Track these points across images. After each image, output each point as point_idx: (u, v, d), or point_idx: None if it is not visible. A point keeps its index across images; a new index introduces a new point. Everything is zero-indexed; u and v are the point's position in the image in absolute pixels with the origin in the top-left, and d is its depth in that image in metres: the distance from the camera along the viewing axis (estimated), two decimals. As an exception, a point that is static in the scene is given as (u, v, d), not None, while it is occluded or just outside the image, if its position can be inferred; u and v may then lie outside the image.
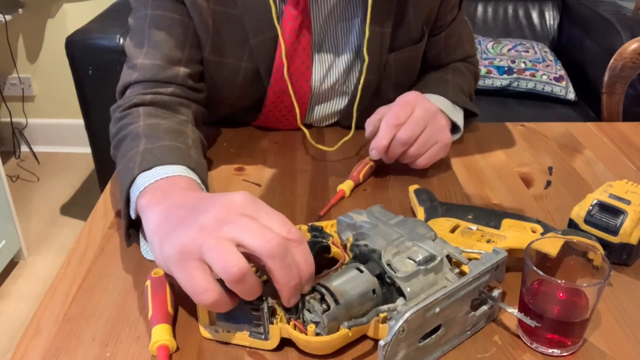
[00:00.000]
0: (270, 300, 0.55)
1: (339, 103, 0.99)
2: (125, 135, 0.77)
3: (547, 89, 2.20)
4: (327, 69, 0.94)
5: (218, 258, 0.50)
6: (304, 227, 0.67)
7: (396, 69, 0.96)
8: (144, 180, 0.66)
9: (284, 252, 0.51)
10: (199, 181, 0.69)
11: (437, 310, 0.53)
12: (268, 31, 0.87)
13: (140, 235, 0.70)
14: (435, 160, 0.85)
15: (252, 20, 0.86)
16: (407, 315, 0.50)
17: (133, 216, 0.66)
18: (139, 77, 0.84)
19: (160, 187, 0.64)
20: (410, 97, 0.84)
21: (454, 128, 0.92)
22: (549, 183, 0.85)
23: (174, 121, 0.81)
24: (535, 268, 0.54)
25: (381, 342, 0.50)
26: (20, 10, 2.54)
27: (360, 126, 0.90)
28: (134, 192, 0.66)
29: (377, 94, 0.97)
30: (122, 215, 0.68)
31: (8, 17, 2.44)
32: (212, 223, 0.52)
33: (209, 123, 0.97)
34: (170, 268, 0.54)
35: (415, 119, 0.82)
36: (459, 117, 0.92)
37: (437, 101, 0.89)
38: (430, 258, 0.57)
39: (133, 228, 0.69)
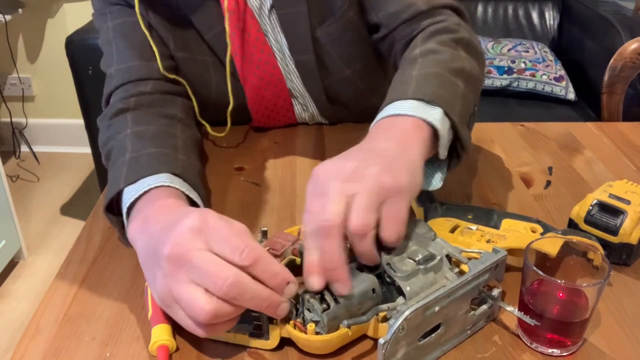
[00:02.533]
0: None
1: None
2: (114, 145, 0.77)
3: (547, 89, 2.20)
4: (282, 55, 0.93)
5: (185, 308, 0.52)
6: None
7: (332, 43, 0.92)
8: (129, 195, 0.66)
9: (242, 288, 0.50)
10: (182, 188, 0.68)
11: (437, 308, 0.53)
12: (216, 25, 0.88)
13: None
14: (403, 231, 0.56)
15: (200, 18, 0.88)
16: (406, 313, 0.50)
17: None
18: (117, 82, 0.85)
19: (141, 211, 0.63)
20: (315, 180, 0.58)
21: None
22: (549, 183, 0.85)
23: (162, 124, 0.81)
24: (535, 268, 0.54)
25: (381, 340, 0.50)
26: (20, 10, 2.54)
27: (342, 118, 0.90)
28: (124, 208, 0.66)
29: (328, 73, 0.94)
30: (112, 223, 0.69)
31: (8, 17, 2.44)
32: (171, 268, 0.52)
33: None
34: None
35: (331, 193, 0.55)
36: (432, 113, 0.65)
37: (395, 110, 0.66)
38: (430, 257, 0.57)
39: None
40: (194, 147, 0.83)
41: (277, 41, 0.91)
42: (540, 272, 0.54)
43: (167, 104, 0.86)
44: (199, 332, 0.53)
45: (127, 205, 0.65)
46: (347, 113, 1.01)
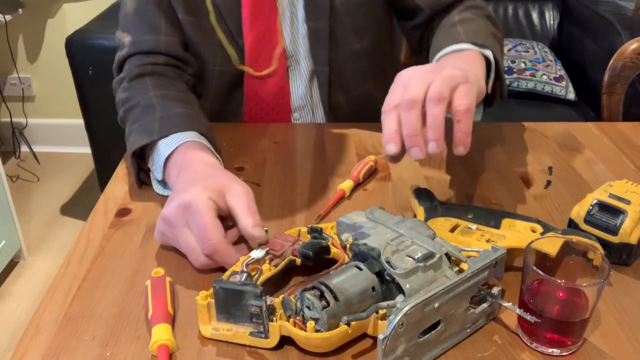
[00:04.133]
0: (269, 298, 0.55)
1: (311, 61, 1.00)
2: (138, 102, 0.85)
3: (547, 89, 2.20)
4: (290, 17, 0.95)
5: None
6: (304, 229, 0.67)
7: (346, 14, 0.95)
8: (165, 148, 0.78)
9: (206, 266, 0.66)
10: (207, 144, 0.80)
11: (436, 305, 0.53)
12: None
13: (152, 177, 0.82)
14: (472, 106, 0.65)
15: None
16: (406, 309, 0.50)
17: (159, 177, 0.79)
18: (129, 51, 0.94)
19: (175, 163, 0.76)
20: (399, 76, 0.68)
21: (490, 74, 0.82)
22: (549, 183, 0.85)
23: (179, 89, 0.90)
24: (535, 268, 0.54)
25: (380, 336, 0.50)
26: (20, 10, 2.54)
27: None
28: (159, 158, 0.78)
29: (337, 44, 0.97)
30: (131, 164, 0.81)
31: (8, 17, 2.44)
32: (164, 224, 0.68)
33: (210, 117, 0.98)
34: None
35: (414, 80, 0.65)
36: (487, 52, 0.81)
37: (457, 47, 0.81)
38: (429, 255, 0.57)
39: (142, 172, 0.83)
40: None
41: (292, 4, 0.94)
42: (540, 272, 0.54)
43: (177, 77, 0.94)
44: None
45: (166, 155, 0.77)
46: (344, 98, 1.02)
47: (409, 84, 0.65)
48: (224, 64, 0.98)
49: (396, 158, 0.65)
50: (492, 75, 0.82)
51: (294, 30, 0.96)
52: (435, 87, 0.64)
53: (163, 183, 0.80)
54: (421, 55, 1.03)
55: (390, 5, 1.02)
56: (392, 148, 0.64)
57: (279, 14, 0.94)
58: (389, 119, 0.65)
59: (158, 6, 0.93)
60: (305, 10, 0.94)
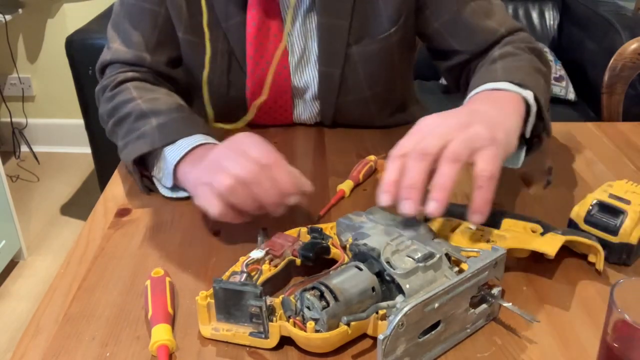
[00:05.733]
0: (269, 298, 0.55)
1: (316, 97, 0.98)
2: (127, 113, 0.83)
3: (547, 89, 2.20)
4: (300, 57, 0.94)
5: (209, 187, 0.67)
6: (304, 230, 0.67)
7: (363, 63, 0.93)
8: (172, 154, 0.76)
9: (256, 179, 0.64)
10: (215, 142, 0.79)
11: (436, 305, 0.53)
12: (236, 16, 0.90)
13: (155, 181, 0.81)
14: (497, 173, 0.61)
15: (221, 4, 0.89)
16: (406, 309, 0.51)
17: (169, 184, 0.78)
18: (113, 58, 0.92)
19: (193, 161, 0.75)
20: (420, 123, 0.64)
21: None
22: (548, 183, 0.85)
23: (163, 92, 0.87)
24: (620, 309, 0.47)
25: (380, 336, 0.50)
26: (20, 10, 2.54)
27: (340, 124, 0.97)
28: (167, 165, 0.77)
29: (347, 91, 0.95)
30: (133, 172, 0.80)
31: (8, 17, 2.44)
32: (214, 162, 0.68)
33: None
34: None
35: (433, 132, 0.61)
36: (525, 93, 0.73)
37: (492, 86, 0.74)
38: (429, 255, 0.57)
39: (145, 178, 0.82)
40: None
41: (306, 46, 0.92)
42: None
43: (159, 84, 0.91)
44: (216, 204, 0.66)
45: (175, 161, 0.76)
46: (348, 126, 1.01)
47: (427, 135, 0.61)
48: (221, 88, 0.95)
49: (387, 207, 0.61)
50: (532, 119, 0.74)
51: (302, 71, 0.94)
52: (454, 145, 0.59)
53: (172, 188, 0.79)
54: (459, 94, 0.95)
55: (410, 48, 0.98)
56: (384, 199, 0.60)
57: (289, 53, 0.92)
58: (392, 167, 0.61)
59: (153, 21, 0.90)
60: (319, 55, 0.92)
